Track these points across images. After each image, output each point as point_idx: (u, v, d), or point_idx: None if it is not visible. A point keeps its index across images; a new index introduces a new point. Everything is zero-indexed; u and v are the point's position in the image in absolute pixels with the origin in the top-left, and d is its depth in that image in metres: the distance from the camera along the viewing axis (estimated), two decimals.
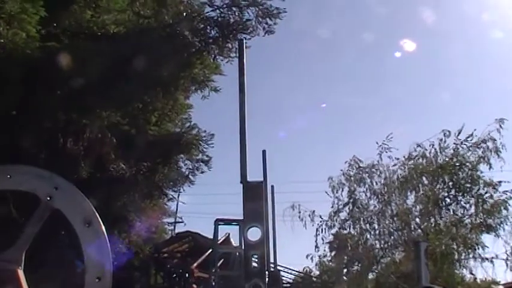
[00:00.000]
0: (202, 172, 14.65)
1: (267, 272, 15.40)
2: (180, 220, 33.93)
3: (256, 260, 7.91)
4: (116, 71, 9.97)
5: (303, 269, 26.00)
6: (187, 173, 14.70)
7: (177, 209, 35.03)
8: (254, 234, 8.07)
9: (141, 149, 12.68)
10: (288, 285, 26.89)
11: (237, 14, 10.96)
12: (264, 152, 12.36)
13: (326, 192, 23.74)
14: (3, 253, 4.81)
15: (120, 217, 13.97)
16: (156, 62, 10.50)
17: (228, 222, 12.06)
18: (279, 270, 13.32)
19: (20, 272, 4.77)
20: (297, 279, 28.11)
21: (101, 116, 11.42)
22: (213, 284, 12.07)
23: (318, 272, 25.39)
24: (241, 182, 7.87)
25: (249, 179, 8.00)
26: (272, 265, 14.26)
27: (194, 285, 20.63)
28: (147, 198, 14.73)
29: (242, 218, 11.04)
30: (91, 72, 9.65)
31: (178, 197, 37.73)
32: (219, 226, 11.73)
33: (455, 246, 22.19)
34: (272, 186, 14.56)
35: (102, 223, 5.08)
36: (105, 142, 11.62)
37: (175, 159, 14.27)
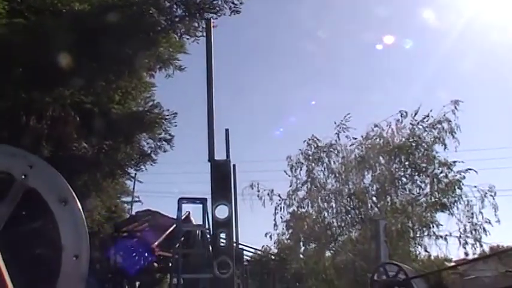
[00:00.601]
0: (164, 151, 14.64)
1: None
2: (138, 199, 33.76)
3: (224, 238, 8.02)
4: (81, 49, 9.87)
5: (262, 247, 26.25)
6: (149, 151, 14.66)
7: (134, 188, 34.85)
8: (221, 212, 8.19)
9: (103, 127, 12.58)
10: (247, 263, 27.06)
11: None
12: (227, 130, 12.37)
13: (285, 171, 24.06)
14: None
15: (81, 196, 13.83)
16: (121, 40, 10.42)
17: (191, 200, 12.11)
18: (241, 249, 13.41)
19: None
20: (255, 256, 28.31)
21: (64, 94, 11.29)
22: (176, 262, 12.11)
23: (276, 250, 25.65)
24: (208, 161, 7.94)
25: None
26: (235, 243, 14.35)
27: (155, 264, 20.65)
28: (109, 177, 14.64)
29: (205, 197, 11.16)
30: (56, 49, 9.55)
31: (135, 175, 37.67)
32: (183, 204, 11.78)
33: (410, 225, 22.81)
34: (234, 166, 14.60)
35: (78, 201, 5.09)
36: (68, 121, 11.51)
37: (138, 138, 14.19)
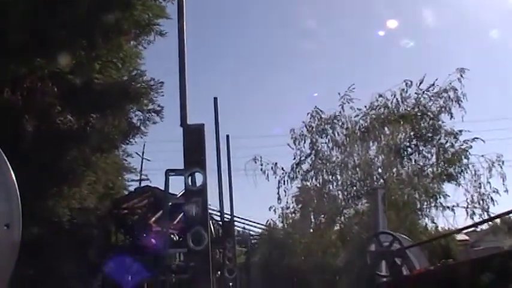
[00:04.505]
0: (154, 123, 14.19)
1: (220, 223, 15.07)
2: (146, 177, 33.45)
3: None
4: (47, 15, 9.36)
5: (266, 222, 25.85)
6: (138, 124, 14.22)
7: (141, 167, 34.59)
8: (197, 180, 7.75)
9: (87, 99, 12.13)
10: (255, 239, 26.70)
11: None
12: (215, 99, 11.94)
13: (288, 144, 23.63)
14: None
15: (69, 172, 13.45)
16: (93, 3, 9.90)
17: (179, 172, 11.58)
18: (233, 221, 12.95)
19: None
20: (263, 232, 27.87)
21: (40, 64, 10.81)
22: (165, 236, 11.69)
23: (281, 224, 25.25)
24: (181, 125, 7.45)
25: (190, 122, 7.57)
26: (228, 216, 13.97)
27: (153, 240, 20.24)
28: (98, 151, 14.19)
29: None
30: (24, 15, 9.07)
31: (142, 154, 37.39)
32: (170, 176, 11.23)
33: (417, 196, 22.40)
34: (227, 136, 14.16)
35: (9, 164, 4.64)
36: (46, 92, 11.04)
37: (125, 110, 13.72)
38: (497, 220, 23.29)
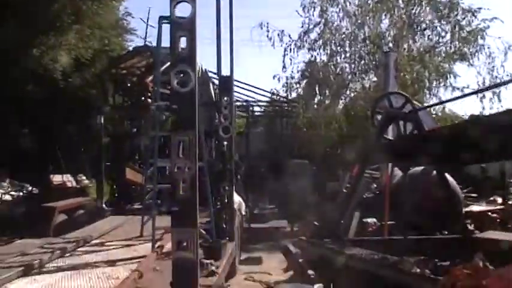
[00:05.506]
0: None
1: (216, 77, 14.16)
2: (150, 44, 32.51)
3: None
4: None
5: (270, 90, 25.07)
6: None
7: (146, 33, 33.55)
8: (184, 10, 6.72)
9: None
10: (256, 105, 25.77)
11: None
12: None
13: (297, 11, 22.52)
14: None
15: (56, 19, 12.50)
16: None
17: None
18: (232, 77, 11.93)
19: None
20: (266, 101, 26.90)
21: None
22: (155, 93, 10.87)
23: (284, 94, 24.46)
24: None
25: None
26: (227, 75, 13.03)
27: (149, 100, 19.55)
28: None
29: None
30: None
31: (147, 20, 36.25)
32: (163, 25, 10.10)
33: (426, 74, 21.61)
34: None
35: None
36: None
37: None
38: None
